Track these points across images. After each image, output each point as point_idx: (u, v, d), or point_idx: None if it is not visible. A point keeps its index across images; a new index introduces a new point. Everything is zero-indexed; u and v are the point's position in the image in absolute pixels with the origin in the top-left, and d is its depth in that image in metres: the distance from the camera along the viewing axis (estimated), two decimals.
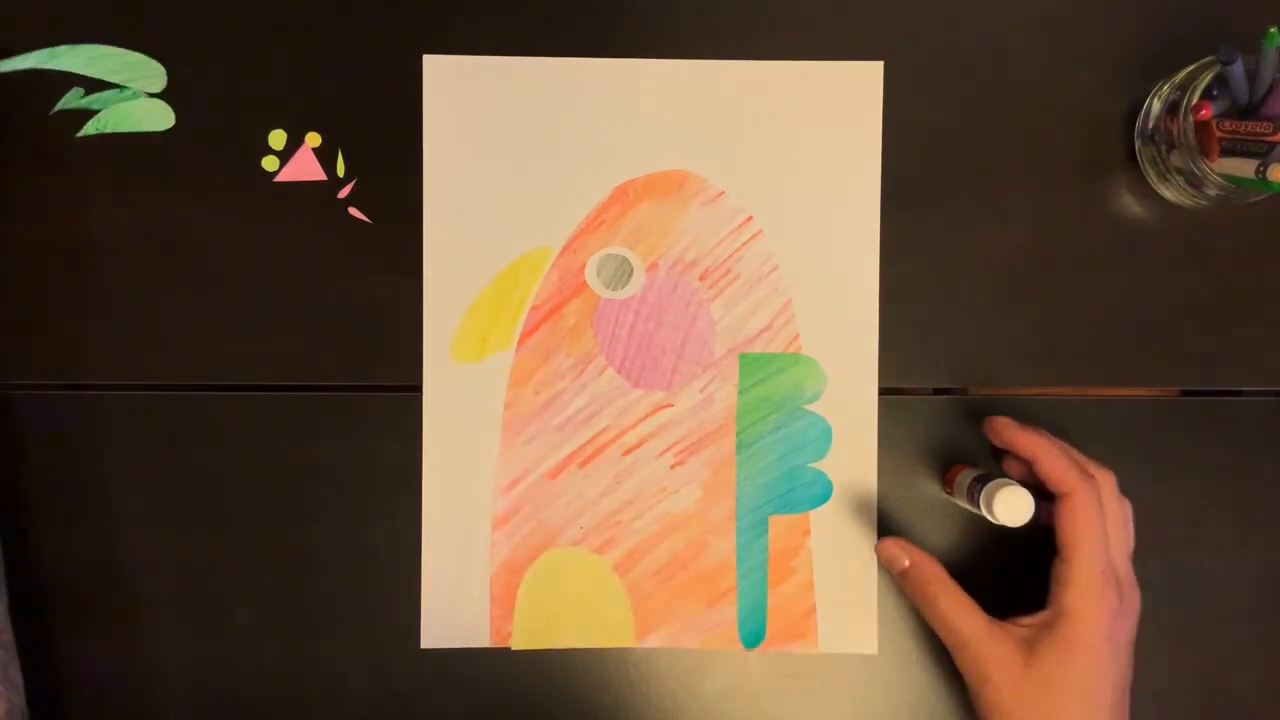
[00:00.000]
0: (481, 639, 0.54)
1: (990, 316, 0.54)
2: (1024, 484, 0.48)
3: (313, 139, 0.54)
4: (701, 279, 0.54)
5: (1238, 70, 0.48)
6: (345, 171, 0.54)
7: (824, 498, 0.54)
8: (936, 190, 0.54)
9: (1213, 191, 0.50)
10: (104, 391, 0.54)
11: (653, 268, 0.54)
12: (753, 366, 0.54)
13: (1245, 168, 0.48)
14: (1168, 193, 0.53)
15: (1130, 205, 0.54)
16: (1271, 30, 0.46)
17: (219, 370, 0.54)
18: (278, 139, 0.54)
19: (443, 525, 0.54)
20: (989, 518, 0.48)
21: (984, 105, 0.54)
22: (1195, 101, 0.49)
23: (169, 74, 0.54)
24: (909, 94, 0.54)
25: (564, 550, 0.54)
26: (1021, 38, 0.54)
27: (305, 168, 0.54)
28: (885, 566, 0.52)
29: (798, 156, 0.54)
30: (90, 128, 0.54)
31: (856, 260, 0.54)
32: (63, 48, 0.53)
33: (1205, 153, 0.49)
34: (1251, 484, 0.54)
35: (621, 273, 0.54)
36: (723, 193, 0.54)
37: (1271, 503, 0.54)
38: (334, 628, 0.54)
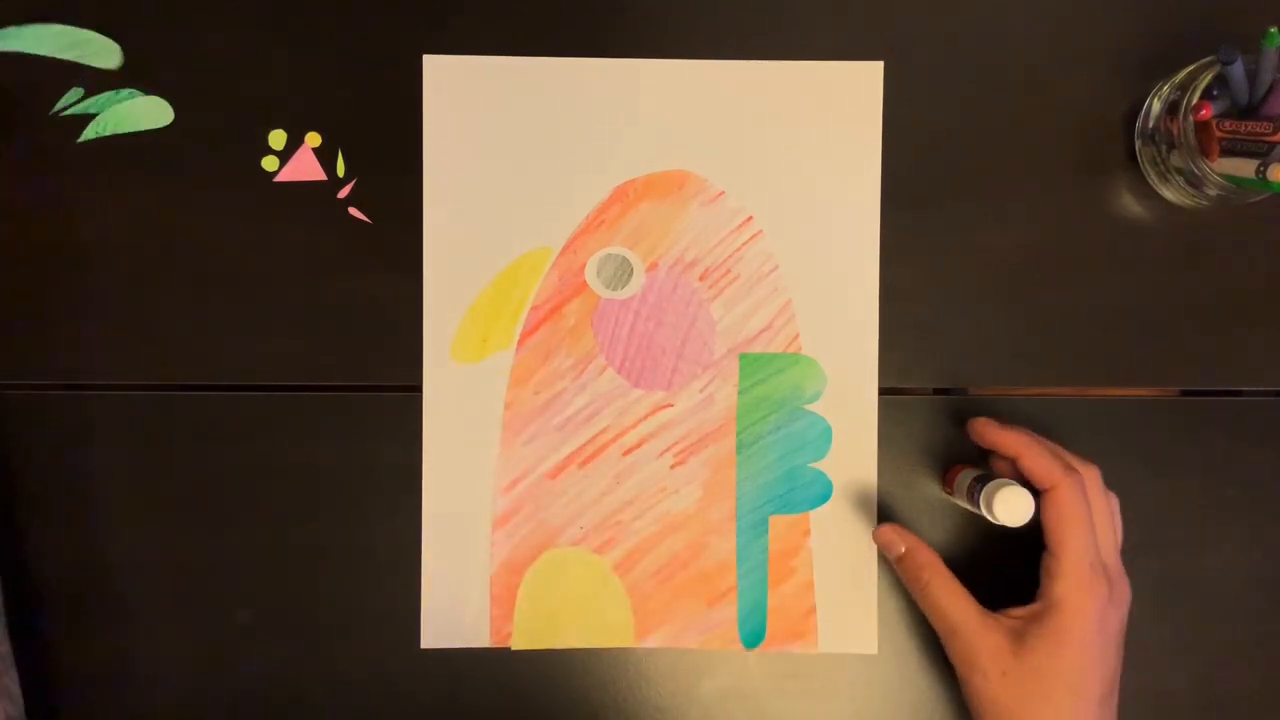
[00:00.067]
0: (481, 639, 0.54)
1: (990, 316, 0.54)
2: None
3: (313, 139, 0.54)
4: (701, 279, 0.54)
5: (1238, 70, 0.48)
6: (345, 171, 0.54)
7: (824, 498, 0.54)
8: (936, 190, 0.54)
9: (1213, 191, 0.50)
10: (104, 391, 0.54)
11: (653, 268, 0.54)
12: (753, 366, 0.54)
13: (1245, 168, 0.48)
14: (1168, 193, 0.53)
15: (1130, 205, 0.54)
16: (1271, 30, 0.46)
17: (219, 370, 0.54)
18: (278, 139, 0.54)
19: (443, 525, 0.54)
20: (989, 518, 0.48)
21: (984, 105, 0.54)
22: (1195, 101, 0.49)
23: (124, 51, 0.53)
24: (909, 94, 0.54)
25: (564, 550, 0.54)
26: (1021, 38, 0.54)
27: (305, 168, 0.54)
28: (882, 551, 0.52)
29: (798, 156, 0.54)
30: (90, 132, 0.54)
31: (856, 260, 0.54)
32: (10, 29, 0.53)
33: (1205, 153, 0.49)
34: (1251, 484, 0.54)
35: (621, 273, 0.54)
36: (723, 193, 0.54)
37: (1271, 503, 0.54)
38: (334, 628, 0.54)
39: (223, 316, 0.54)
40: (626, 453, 0.54)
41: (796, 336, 0.54)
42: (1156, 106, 0.52)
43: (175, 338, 0.54)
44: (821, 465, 0.54)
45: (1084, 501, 0.47)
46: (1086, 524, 0.47)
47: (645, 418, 0.54)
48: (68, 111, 0.54)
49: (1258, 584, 0.54)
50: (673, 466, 0.54)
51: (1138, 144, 0.54)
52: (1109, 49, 0.54)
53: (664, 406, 0.54)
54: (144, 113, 0.54)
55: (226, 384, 0.54)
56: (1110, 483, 0.50)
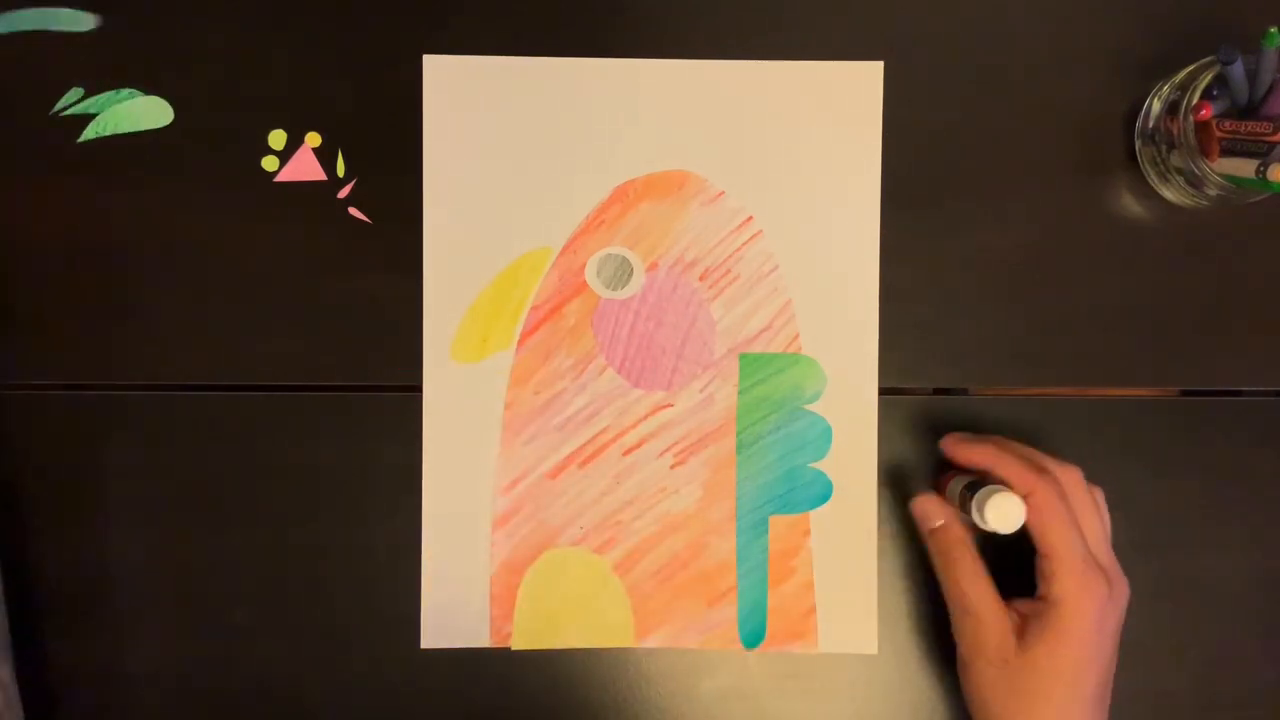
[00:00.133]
0: (481, 639, 0.54)
1: (990, 316, 0.54)
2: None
3: (313, 139, 0.54)
4: (701, 279, 0.54)
5: (1238, 70, 0.48)
6: (345, 171, 0.54)
7: (824, 498, 0.54)
8: (936, 190, 0.54)
9: (1213, 191, 0.50)
10: (104, 391, 0.54)
11: (653, 268, 0.54)
12: (753, 366, 0.54)
13: (1245, 168, 0.48)
14: (1168, 193, 0.53)
15: (1130, 205, 0.54)
16: (1271, 30, 0.46)
17: (219, 370, 0.54)
18: (278, 139, 0.54)
19: (443, 525, 0.54)
20: (981, 525, 0.48)
21: (984, 105, 0.54)
22: (1195, 101, 0.49)
23: (102, 20, 0.53)
24: (909, 94, 0.54)
25: (564, 550, 0.54)
26: (1021, 38, 0.54)
27: (305, 168, 0.54)
28: (917, 521, 0.51)
29: (798, 156, 0.54)
30: (90, 132, 0.54)
31: (856, 260, 0.54)
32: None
33: (1205, 153, 0.49)
34: (1251, 484, 0.54)
35: (621, 273, 0.54)
36: (723, 193, 0.54)
37: (1271, 503, 0.54)
38: (334, 628, 0.54)
39: (223, 316, 0.54)
40: (626, 453, 0.54)
41: (796, 336, 0.54)
42: (1156, 106, 0.52)
43: (175, 338, 0.54)
44: (821, 465, 0.54)
45: (1063, 502, 0.47)
46: (1069, 524, 0.47)
47: (645, 418, 0.54)
48: (68, 111, 0.54)
49: (1258, 584, 0.54)
50: (673, 466, 0.54)
51: (1138, 144, 0.54)
52: (1109, 49, 0.54)
53: (664, 406, 0.54)
54: (144, 113, 0.54)
55: (226, 384, 0.54)
56: (1110, 483, 0.50)
